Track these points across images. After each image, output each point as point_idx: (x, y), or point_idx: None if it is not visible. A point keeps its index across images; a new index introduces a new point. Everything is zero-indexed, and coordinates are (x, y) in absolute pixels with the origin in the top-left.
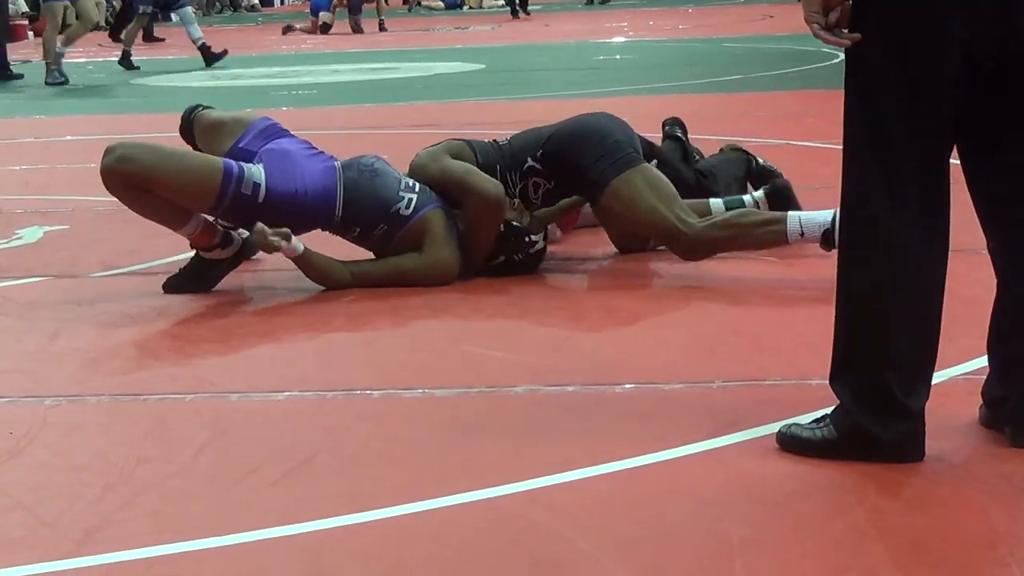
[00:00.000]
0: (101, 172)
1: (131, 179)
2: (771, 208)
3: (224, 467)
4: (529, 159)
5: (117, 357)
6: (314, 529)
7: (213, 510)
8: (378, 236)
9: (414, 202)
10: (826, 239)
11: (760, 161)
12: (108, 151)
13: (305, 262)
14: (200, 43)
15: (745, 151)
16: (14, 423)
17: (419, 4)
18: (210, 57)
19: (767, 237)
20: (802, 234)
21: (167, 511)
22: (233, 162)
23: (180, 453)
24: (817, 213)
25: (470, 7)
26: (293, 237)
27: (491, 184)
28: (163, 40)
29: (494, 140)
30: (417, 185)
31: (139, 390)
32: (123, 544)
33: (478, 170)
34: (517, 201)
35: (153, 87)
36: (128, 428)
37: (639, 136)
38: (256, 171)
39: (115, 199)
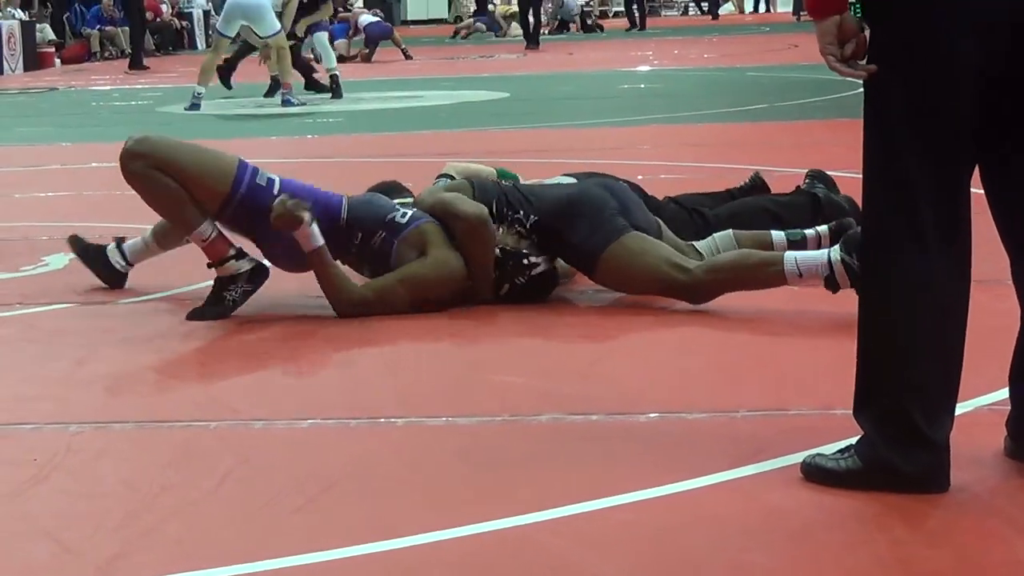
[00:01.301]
0: (120, 156)
1: (148, 161)
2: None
3: (247, 494)
4: (521, 213)
5: (142, 384)
6: (337, 557)
7: (236, 537)
8: (378, 245)
9: (409, 214)
10: (829, 283)
11: (827, 195)
12: (129, 138)
13: (321, 258)
14: (332, 73)
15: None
16: (39, 449)
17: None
18: (335, 89)
19: (768, 278)
20: (800, 275)
21: (190, 538)
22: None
23: (203, 480)
24: (813, 253)
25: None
26: (313, 224)
27: (473, 206)
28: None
29: (498, 181)
30: (413, 207)
31: (163, 417)
32: (146, 571)
33: (463, 196)
34: (513, 228)
35: (176, 114)
36: (152, 455)
37: (642, 195)
38: (270, 174)
39: (140, 227)
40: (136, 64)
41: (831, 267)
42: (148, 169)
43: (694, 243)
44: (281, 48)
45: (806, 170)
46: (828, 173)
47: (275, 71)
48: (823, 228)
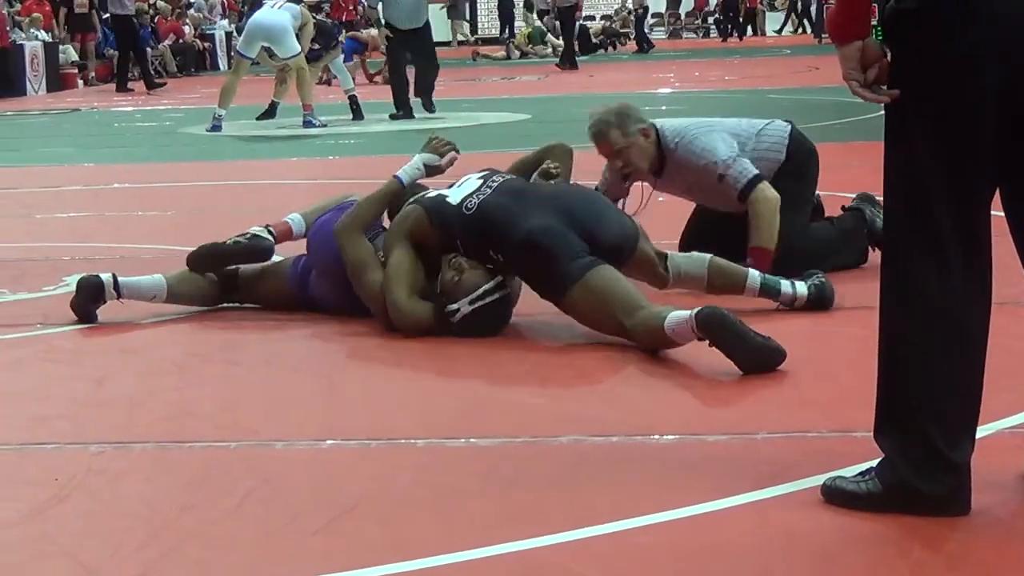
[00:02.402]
0: None
1: None
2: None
3: (267, 515)
4: (491, 251)
5: (162, 404)
6: None
7: (256, 558)
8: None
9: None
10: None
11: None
12: None
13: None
14: (351, 94)
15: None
16: (59, 469)
17: (480, 56)
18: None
19: (664, 342)
20: (674, 330)
21: (210, 559)
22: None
23: (224, 501)
24: (681, 314)
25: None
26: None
27: (402, 306)
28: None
29: (464, 207)
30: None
31: (183, 438)
32: None
33: (400, 274)
34: (452, 259)
35: (199, 135)
36: (172, 475)
37: (618, 213)
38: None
39: (161, 247)
40: (122, 87)
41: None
42: None
43: (669, 254)
44: (301, 70)
45: (831, 192)
46: (849, 195)
47: (280, 96)
48: (802, 288)
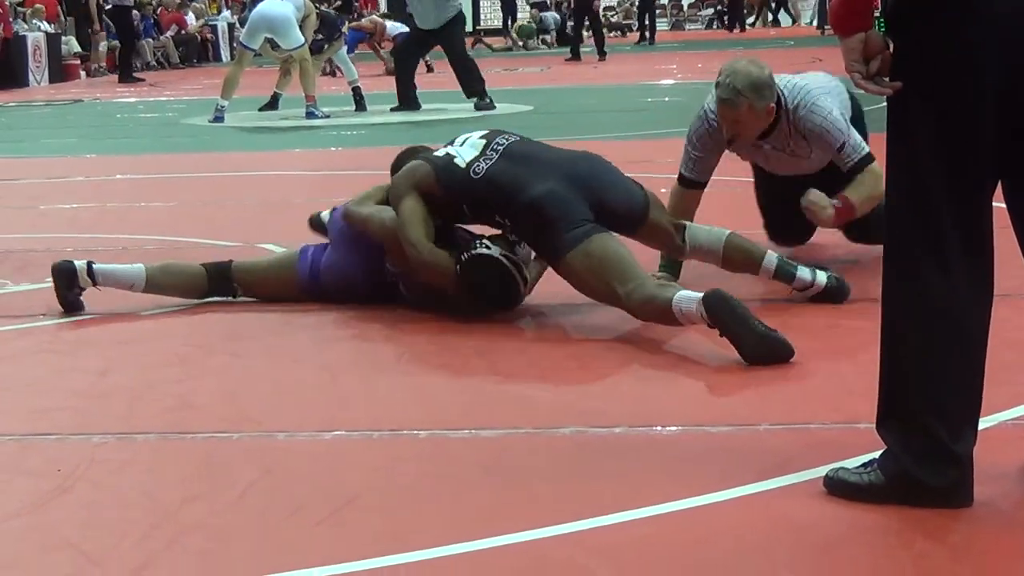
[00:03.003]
0: None
1: None
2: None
3: (270, 506)
4: (497, 216)
5: (165, 395)
6: (359, 569)
7: (258, 549)
8: None
9: None
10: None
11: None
12: None
13: None
14: (354, 85)
15: None
16: (62, 460)
17: (482, 43)
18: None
19: (672, 319)
20: (682, 312)
21: (213, 550)
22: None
23: (226, 492)
24: (691, 295)
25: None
26: None
27: (418, 243)
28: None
29: (472, 171)
30: None
31: (186, 428)
32: None
33: (416, 217)
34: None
35: (202, 127)
36: (175, 467)
37: (628, 182)
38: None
39: (164, 239)
40: (125, 78)
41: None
42: None
43: (688, 225)
44: (304, 61)
45: None
46: None
47: (283, 88)
48: (822, 277)
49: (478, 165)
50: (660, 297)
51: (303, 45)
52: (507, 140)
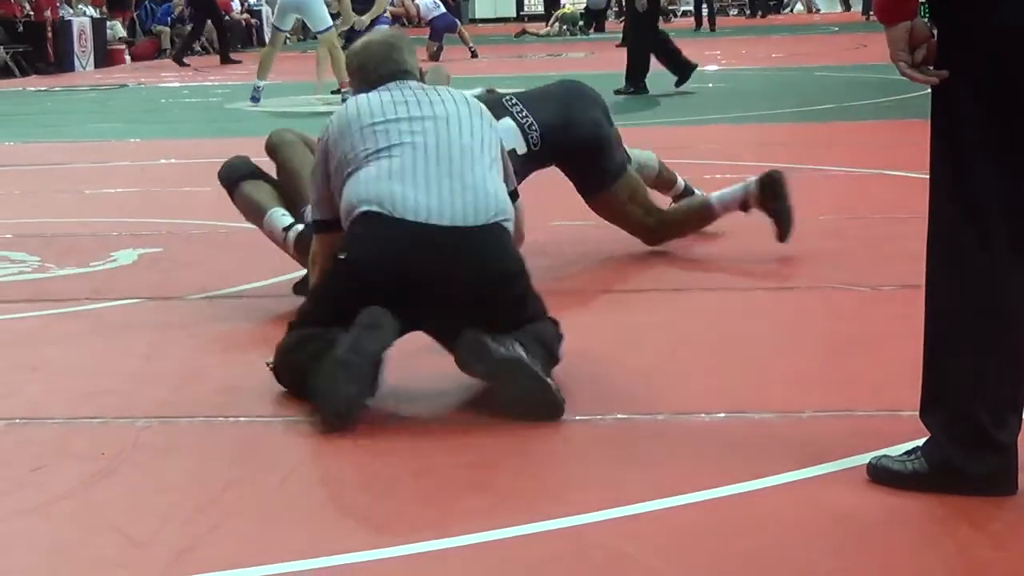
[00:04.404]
0: None
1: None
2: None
3: (312, 491)
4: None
5: (209, 379)
6: (400, 554)
7: (301, 533)
8: None
9: None
10: (743, 205)
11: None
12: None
13: None
14: None
15: None
16: (107, 444)
17: (526, 32)
18: None
19: (703, 218)
20: (725, 206)
21: (255, 534)
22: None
23: (269, 476)
24: (732, 189)
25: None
26: None
27: None
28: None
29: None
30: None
31: (230, 413)
32: (213, 566)
33: None
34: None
35: (246, 112)
36: (218, 450)
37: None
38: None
39: (209, 223)
40: (179, 59)
41: (745, 192)
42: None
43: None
44: (333, 47)
45: (881, 171)
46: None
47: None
48: (752, 182)
49: (533, 136)
50: (694, 201)
51: (330, 28)
52: (521, 103)
